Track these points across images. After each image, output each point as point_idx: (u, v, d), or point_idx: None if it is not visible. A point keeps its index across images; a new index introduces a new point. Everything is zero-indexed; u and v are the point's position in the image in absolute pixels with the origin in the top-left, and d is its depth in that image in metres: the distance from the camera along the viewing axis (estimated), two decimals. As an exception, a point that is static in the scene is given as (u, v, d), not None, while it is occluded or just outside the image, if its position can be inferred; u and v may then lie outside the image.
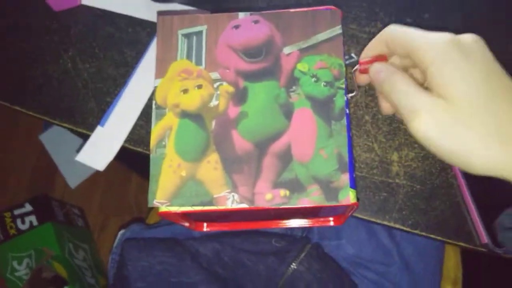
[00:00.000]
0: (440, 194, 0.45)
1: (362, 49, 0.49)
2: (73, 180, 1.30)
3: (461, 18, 0.49)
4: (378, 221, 0.45)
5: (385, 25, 0.50)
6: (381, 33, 0.35)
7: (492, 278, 0.83)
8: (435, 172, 0.46)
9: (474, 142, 0.28)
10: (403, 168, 0.46)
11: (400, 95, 0.31)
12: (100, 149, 0.49)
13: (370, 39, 0.50)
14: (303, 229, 0.57)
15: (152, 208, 0.80)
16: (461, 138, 0.28)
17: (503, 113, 0.28)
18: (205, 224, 0.45)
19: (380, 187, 0.46)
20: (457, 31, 0.48)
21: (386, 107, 0.37)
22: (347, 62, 0.50)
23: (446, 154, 0.29)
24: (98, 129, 0.49)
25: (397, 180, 0.46)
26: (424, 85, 0.35)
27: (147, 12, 0.53)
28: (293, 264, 0.51)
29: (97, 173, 1.28)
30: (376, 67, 0.35)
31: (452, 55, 0.29)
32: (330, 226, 0.44)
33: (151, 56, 0.51)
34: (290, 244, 0.53)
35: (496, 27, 0.49)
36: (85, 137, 0.51)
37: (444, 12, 0.50)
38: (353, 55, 0.50)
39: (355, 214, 0.45)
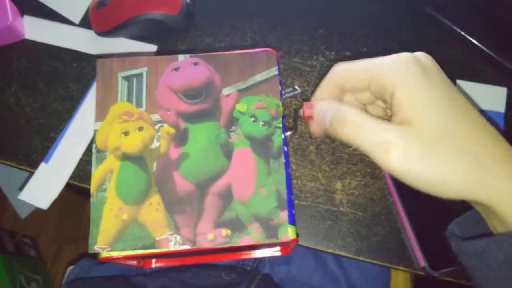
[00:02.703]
0: (381, 220, 0.47)
1: (305, 81, 0.52)
2: (23, 210, 1.25)
3: (396, 52, 0.52)
4: (324, 249, 0.47)
5: (326, 58, 0.52)
6: (331, 72, 0.32)
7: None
8: (376, 199, 0.48)
9: (447, 168, 0.27)
10: (346, 196, 0.48)
11: (359, 132, 0.28)
12: (44, 187, 0.48)
13: (312, 72, 0.52)
14: (253, 259, 0.57)
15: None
16: (437, 165, 0.27)
17: (469, 133, 0.28)
18: (153, 260, 0.45)
19: (325, 216, 0.47)
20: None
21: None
22: (290, 93, 0.52)
23: (422, 183, 0.28)
24: (42, 166, 0.49)
25: (340, 208, 0.48)
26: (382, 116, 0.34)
27: (92, 46, 0.53)
28: None
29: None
30: (320, 107, 0.32)
31: (415, 76, 0.28)
32: (277, 256, 0.45)
33: (97, 90, 0.51)
34: (240, 276, 0.53)
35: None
36: (29, 174, 0.50)
37: (381, 46, 0.53)
38: (296, 87, 0.52)
39: (302, 243, 0.47)
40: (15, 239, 1.17)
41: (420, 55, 0.30)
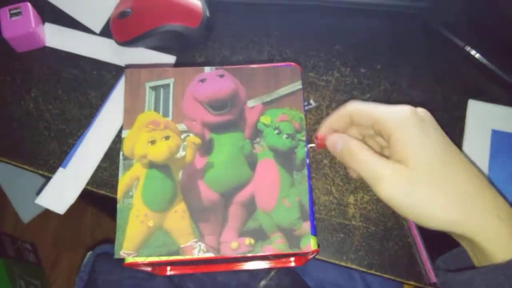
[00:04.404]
0: (393, 235, 0.48)
1: (320, 96, 0.53)
2: (26, 215, 1.25)
3: (410, 70, 0.54)
4: (336, 261, 0.47)
5: (341, 74, 0.54)
6: (344, 107, 0.38)
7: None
8: (388, 214, 0.48)
9: (431, 202, 0.32)
10: (358, 210, 0.49)
11: (361, 164, 0.34)
12: (61, 192, 0.49)
13: (327, 87, 0.53)
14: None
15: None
16: (420, 199, 0.32)
17: (456, 175, 0.32)
18: (168, 268, 0.45)
19: (337, 229, 0.48)
20: (406, 82, 0.53)
21: (352, 173, 0.42)
22: (306, 108, 0.53)
23: (408, 212, 0.33)
24: (60, 171, 0.49)
25: (353, 222, 0.48)
26: (382, 153, 0.39)
27: (112, 55, 0.54)
28: (264, 280, 0.53)
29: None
30: (332, 138, 0.38)
31: (411, 124, 0.33)
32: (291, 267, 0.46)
33: (116, 98, 0.51)
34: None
35: (441, 79, 0.53)
36: (46, 179, 0.50)
37: (395, 64, 0.54)
38: (311, 101, 0.53)
39: (315, 255, 0.47)
40: (16, 244, 1.17)
41: (420, 110, 0.35)
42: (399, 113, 0.34)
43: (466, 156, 0.47)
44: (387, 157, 0.35)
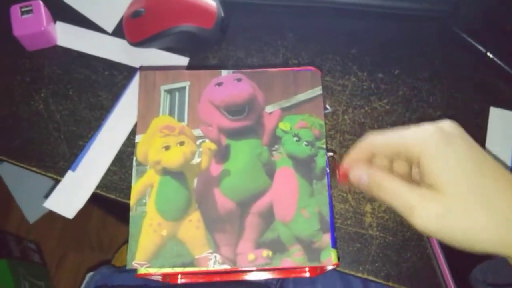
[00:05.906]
0: (411, 246, 0.46)
1: (336, 100, 0.51)
2: (32, 215, 1.24)
3: (429, 76, 0.52)
4: (353, 272, 0.46)
5: (358, 79, 0.52)
6: (363, 142, 0.36)
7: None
8: (406, 224, 0.47)
9: (471, 226, 0.30)
10: (376, 219, 0.47)
11: (391, 195, 0.32)
12: (70, 195, 0.47)
13: (343, 91, 0.52)
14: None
15: (118, 249, 0.77)
16: (458, 224, 0.30)
17: (494, 191, 0.30)
18: (179, 276, 0.44)
19: (354, 238, 0.47)
20: (426, 88, 0.51)
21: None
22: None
23: (448, 239, 0.31)
24: (69, 174, 0.48)
25: (370, 231, 0.47)
26: (410, 178, 0.37)
27: (124, 55, 0.52)
28: None
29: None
30: (356, 172, 0.35)
31: (435, 144, 0.31)
32: (305, 278, 0.44)
33: (127, 100, 0.50)
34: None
35: (461, 86, 0.52)
36: (55, 181, 0.49)
37: (413, 69, 0.52)
38: (327, 106, 0.51)
39: (330, 266, 0.46)
40: (21, 244, 1.16)
41: (444, 124, 0.33)
42: (422, 134, 0.32)
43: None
44: (418, 183, 0.33)
